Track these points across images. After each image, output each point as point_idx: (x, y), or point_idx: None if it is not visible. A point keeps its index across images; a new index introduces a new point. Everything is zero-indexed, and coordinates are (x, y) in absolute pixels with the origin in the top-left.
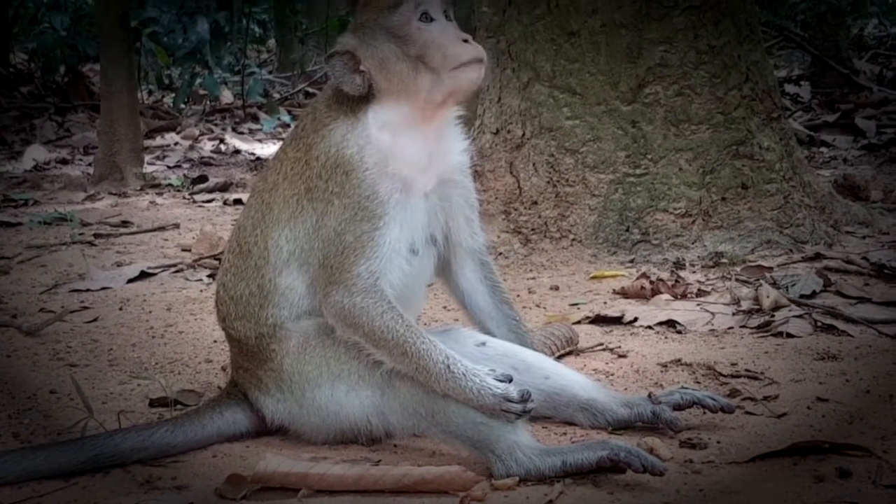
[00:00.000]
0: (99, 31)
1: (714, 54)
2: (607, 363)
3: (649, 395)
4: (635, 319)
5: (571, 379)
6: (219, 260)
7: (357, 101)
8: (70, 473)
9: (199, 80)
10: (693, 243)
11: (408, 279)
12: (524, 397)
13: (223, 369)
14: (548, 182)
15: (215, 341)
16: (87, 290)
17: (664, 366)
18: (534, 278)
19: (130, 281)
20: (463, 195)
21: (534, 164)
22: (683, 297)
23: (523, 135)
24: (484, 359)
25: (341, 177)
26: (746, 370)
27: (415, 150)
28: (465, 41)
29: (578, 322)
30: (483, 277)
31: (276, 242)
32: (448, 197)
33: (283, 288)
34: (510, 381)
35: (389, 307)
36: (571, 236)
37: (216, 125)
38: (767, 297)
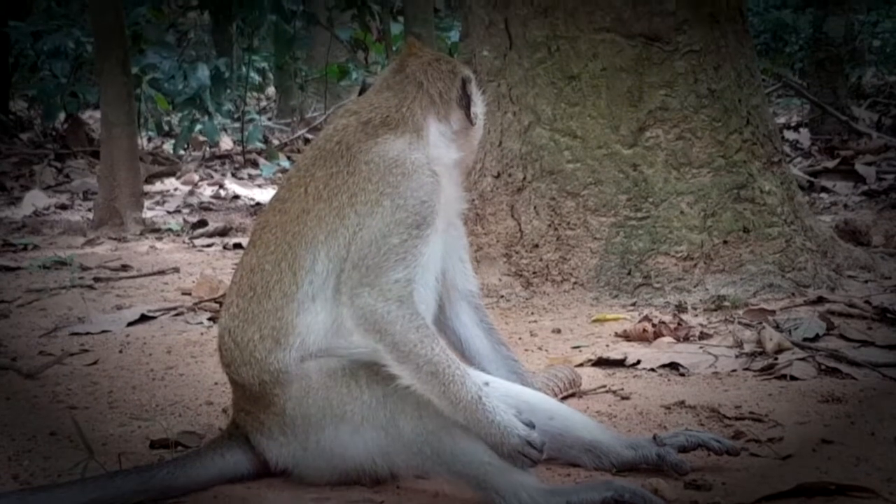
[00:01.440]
0: (99, 77)
1: (714, 98)
2: (610, 405)
3: (654, 437)
4: (638, 362)
5: (575, 420)
6: (219, 303)
7: (420, 125)
8: None
9: (198, 127)
10: (695, 286)
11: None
12: (543, 446)
13: (224, 411)
14: (549, 225)
15: (216, 383)
16: (87, 334)
17: (668, 408)
18: (535, 321)
19: (130, 324)
20: (458, 238)
21: (535, 208)
22: (686, 339)
23: (524, 178)
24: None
25: (398, 177)
26: (750, 412)
27: (451, 185)
28: None
29: (581, 365)
30: (479, 321)
31: (309, 269)
32: (447, 239)
33: (300, 328)
34: (533, 427)
35: (424, 322)
36: (573, 279)
37: (216, 171)
38: (771, 339)
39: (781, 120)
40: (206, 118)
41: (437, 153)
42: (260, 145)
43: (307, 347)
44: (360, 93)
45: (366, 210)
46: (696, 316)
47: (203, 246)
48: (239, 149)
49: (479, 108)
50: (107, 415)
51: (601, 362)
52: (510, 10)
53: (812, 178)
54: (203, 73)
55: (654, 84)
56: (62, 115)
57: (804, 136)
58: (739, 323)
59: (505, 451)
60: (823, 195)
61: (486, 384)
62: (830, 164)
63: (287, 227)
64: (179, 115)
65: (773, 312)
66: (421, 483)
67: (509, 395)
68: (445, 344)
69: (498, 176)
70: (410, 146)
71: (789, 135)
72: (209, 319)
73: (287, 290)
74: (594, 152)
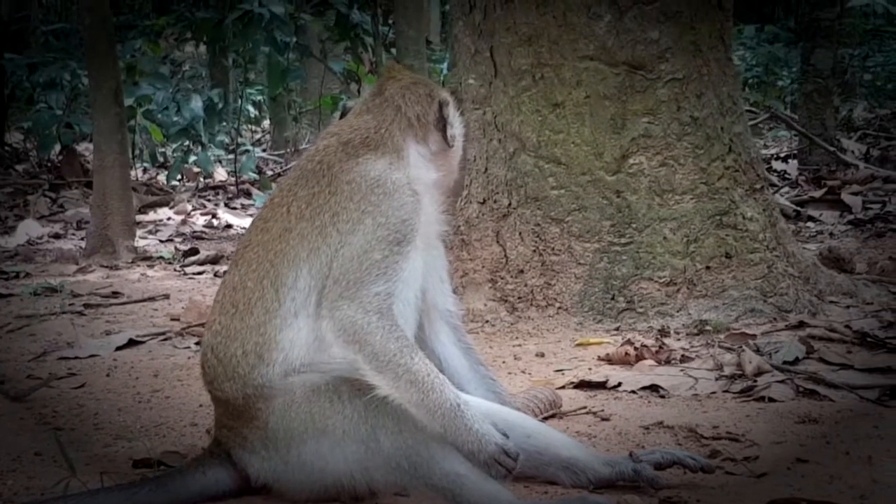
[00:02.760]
0: (92, 107)
1: (697, 126)
2: (590, 426)
3: (630, 455)
4: (619, 384)
5: (553, 438)
6: None
7: (400, 147)
8: None
9: (192, 158)
10: (678, 311)
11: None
12: (518, 456)
13: (208, 432)
14: (534, 251)
15: (201, 405)
16: (76, 358)
17: (646, 428)
18: (520, 345)
19: (119, 349)
20: (438, 258)
21: (520, 234)
22: (667, 363)
23: (509, 204)
24: None
25: (379, 196)
26: (728, 432)
27: (431, 206)
28: None
29: (563, 387)
30: (457, 340)
31: (291, 286)
32: (426, 260)
33: (283, 343)
34: (508, 437)
35: (403, 333)
36: (557, 304)
37: (209, 201)
38: (750, 362)
39: (772, 151)
40: (200, 149)
41: (417, 173)
42: (253, 176)
43: (290, 363)
44: (342, 116)
45: (348, 228)
46: (679, 340)
47: (194, 273)
48: (233, 179)
49: (456, 129)
50: (92, 436)
51: (583, 385)
52: (495, 38)
53: (799, 208)
54: (196, 104)
55: (637, 111)
56: (57, 147)
57: (792, 167)
58: (720, 347)
59: (481, 458)
60: (810, 224)
61: (465, 403)
62: (817, 193)
63: (269, 245)
64: (173, 146)
65: (754, 336)
66: (399, 500)
67: (488, 415)
68: (424, 355)
69: (483, 202)
70: (391, 166)
71: (777, 165)
72: (196, 344)
73: (269, 307)
74: (578, 179)
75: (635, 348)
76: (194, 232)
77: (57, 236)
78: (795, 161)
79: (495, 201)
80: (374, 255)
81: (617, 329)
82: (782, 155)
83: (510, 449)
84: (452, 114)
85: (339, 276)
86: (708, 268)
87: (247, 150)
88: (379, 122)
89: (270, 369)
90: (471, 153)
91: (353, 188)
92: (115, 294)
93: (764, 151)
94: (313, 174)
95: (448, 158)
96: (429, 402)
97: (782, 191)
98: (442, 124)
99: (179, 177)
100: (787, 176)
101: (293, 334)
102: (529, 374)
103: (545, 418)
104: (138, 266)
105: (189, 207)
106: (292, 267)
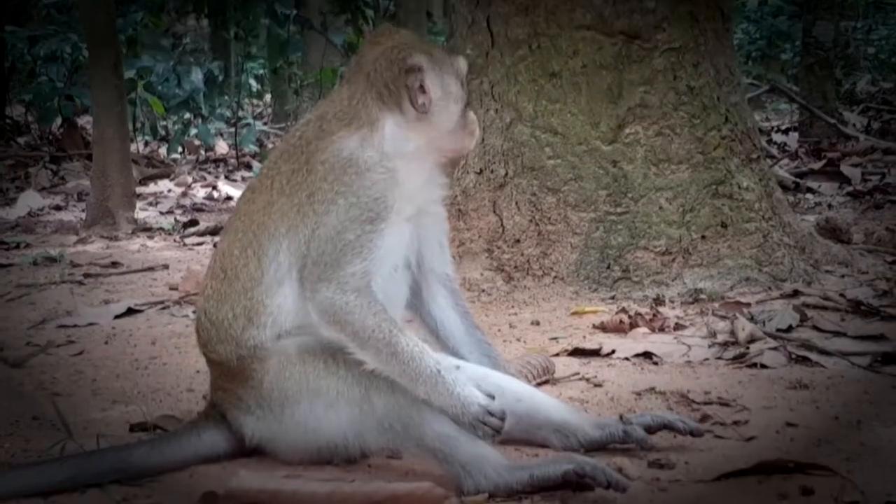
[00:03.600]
0: (91, 79)
1: (693, 95)
2: (583, 392)
3: (620, 417)
4: (613, 352)
5: (544, 402)
6: None
7: (374, 118)
8: (47, 493)
9: (193, 131)
10: (673, 280)
11: (385, 297)
12: (503, 415)
13: (204, 398)
14: (530, 220)
15: (198, 371)
16: (74, 326)
17: (638, 394)
18: (515, 314)
19: (117, 317)
20: (437, 223)
21: (516, 203)
22: (661, 330)
23: (506, 174)
24: None
25: (351, 177)
26: (719, 398)
27: (414, 175)
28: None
29: (556, 354)
30: (454, 304)
31: (273, 258)
32: (423, 224)
33: (272, 307)
34: (493, 398)
35: (382, 308)
36: (553, 274)
37: (209, 173)
38: (743, 330)
39: (773, 124)
40: (200, 122)
41: (394, 145)
42: (254, 149)
43: (280, 325)
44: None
45: (323, 209)
46: (674, 308)
47: (193, 244)
48: (234, 152)
49: (434, 94)
50: (89, 401)
51: (577, 352)
52: (492, 8)
53: (798, 180)
54: (196, 76)
55: (633, 81)
56: (58, 120)
57: (792, 139)
58: (714, 315)
59: (466, 420)
60: (809, 195)
61: (457, 368)
62: (816, 165)
63: (254, 216)
64: (174, 118)
65: (748, 305)
66: (392, 463)
67: (479, 378)
68: (404, 325)
69: (480, 172)
70: (363, 143)
71: (778, 137)
72: (194, 312)
73: (254, 275)
74: (574, 149)
75: (629, 316)
76: (194, 204)
77: (58, 208)
78: (796, 133)
79: (492, 171)
80: (348, 236)
81: (612, 298)
82: (783, 128)
83: (494, 409)
84: (429, 78)
85: (317, 257)
86: (703, 237)
87: (247, 124)
88: (352, 93)
89: (261, 331)
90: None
91: (327, 168)
92: (115, 264)
93: (765, 124)
94: (294, 150)
95: (431, 124)
96: (410, 371)
97: (782, 163)
98: (411, 92)
99: (180, 149)
100: (786, 148)
101: (280, 300)
102: (524, 341)
103: (538, 384)
104: (138, 237)
105: (189, 180)
106: (273, 241)
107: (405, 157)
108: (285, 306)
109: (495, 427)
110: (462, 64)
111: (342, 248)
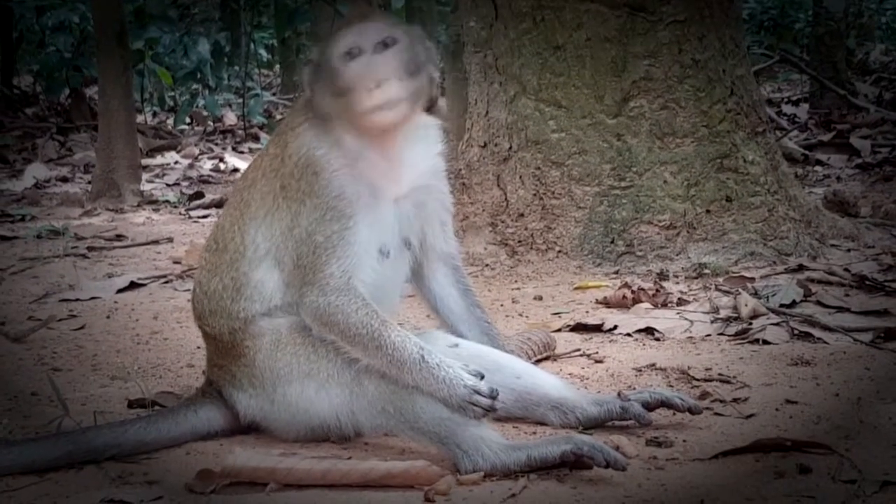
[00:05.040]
0: (97, 50)
1: (698, 68)
2: (583, 368)
3: (618, 394)
4: (615, 327)
5: (542, 379)
6: None
7: (322, 109)
8: (44, 469)
9: (200, 102)
10: (677, 255)
11: (379, 280)
12: (493, 394)
13: (204, 373)
14: (534, 194)
15: (198, 347)
16: (77, 300)
17: (639, 370)
18: (519, 289)
19: (120, 291)
20: (438, 199)
21: (520, 177)
22: (664, 306)
23: (510, 148)
24: (456, 360)
25: (311, 177)
26: (719, 374)
27: (378, 156)
28: (377, 84)
29: (559, 330)
30: (455, 281)
31: (252, 238)
32: (423, 202)
33: (255, 281)
34: (481, 377)
35: (364, 304)
36: (557, 248)
37: (216, 145)
38: (746, 305)
39: (785, 95)
40: (207, 92)
41: (342, 135)
42: (262, 120)
43: (266, 300)
44: None
45: (294, 208)
46: (677, 283)
47: (199, 217)
48: (241, 123)
49: (310, 80)
50: (89, 377)
51: (579, 327)
52: None
53: (807, 152)
54: (204, 47)
55: (638, 54)
56: (66, 90)
57: (802, 111)
58: (717, 290)
59: (454, 402)
60: (818, 168)
61: (456, 345)
62: (826, 137)
63: (242, 193)
64: (181, 89)
65: (753, 280)
66: (388, 440)
67: (478, 356)
68: (385, 316)
69: (484, 146)
70: (317, 137)
71: (787, 109)
72: None
73: (238, 249)
74: (579, 122)
75: (632, 291)
76: (201, 176)
77: (64, 179)
78: (806, 105)
79: (496, 145)
80: (318, 238)
81: (616, 272)
82: (794, 99)
83: (481, 388)
84: (308, 71)
85: (297, 260)
86: (708, 211)
87: (256, 94)
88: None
89: (250, 304)
90: (472, 96)
91: (293, 163)
92: (119, 237)
93: (776, 95)
94: (279, 135)
95: (338, 107)
96: (395, 360)
97: (791, 134)
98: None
99: (188, 121)
100: (796, 119)
101: (261, 275)
102: (527, 317)
103: (539, 360)
104: (143, 210)
105: (196, 151)
106: (252, 221)
107: (347, 145)
108: (268, 283)
109: (484, 406)
110: (340, 40)
111: (315, 250)
